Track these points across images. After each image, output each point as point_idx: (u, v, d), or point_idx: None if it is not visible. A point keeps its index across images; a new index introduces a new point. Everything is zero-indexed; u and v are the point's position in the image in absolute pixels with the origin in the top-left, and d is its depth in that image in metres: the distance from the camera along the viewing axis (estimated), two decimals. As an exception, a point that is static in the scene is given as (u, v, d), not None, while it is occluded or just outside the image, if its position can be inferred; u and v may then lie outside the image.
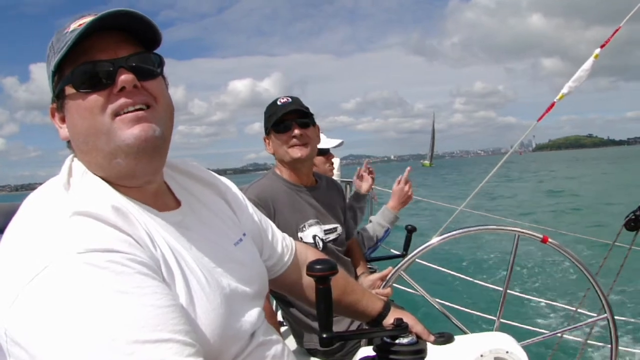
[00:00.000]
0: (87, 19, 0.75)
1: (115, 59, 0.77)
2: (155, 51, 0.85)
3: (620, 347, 1.58)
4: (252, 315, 0.91)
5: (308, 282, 1.18)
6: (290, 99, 1.85)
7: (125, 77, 0.76)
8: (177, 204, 0.91)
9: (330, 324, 0.92)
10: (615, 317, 1.51)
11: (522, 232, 1.49)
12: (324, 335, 0.91)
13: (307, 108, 1.85)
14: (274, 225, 1.19)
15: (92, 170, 0.80)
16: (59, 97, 0.80)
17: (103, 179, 0.80)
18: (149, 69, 0.81)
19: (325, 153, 2.75)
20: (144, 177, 0.82)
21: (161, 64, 0.84)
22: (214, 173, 1.07)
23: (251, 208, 1.13)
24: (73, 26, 0.77)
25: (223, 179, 1.09)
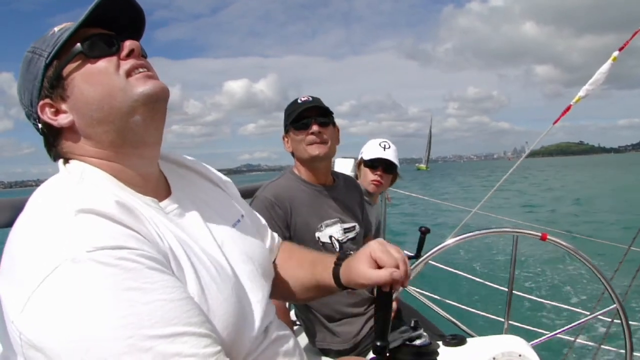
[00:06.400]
0: (67, 24, 0.82)
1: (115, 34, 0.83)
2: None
3: (635, 353, 1.56)
4: (262, 300, 0.90)
5: (284, 276, 1.15)
6: (311, 98, 1.86)
7: (132, 42, 0.82)
8: (170, 191, 0.91)
9: (387, 332, 0.91)
10: (631, 323, 1.50)
11: (521, 232, 1.50)
12: (378, 344, 0.90)
13: (328, 108, 1.85)
14: (262, 219, 1.19)
15: (99, 147, 0.81)
16: (53, 85, 0.80)
17: (105, 165, 0.82)
18: (144, 50, 0.87)
19: None
20: (153, 145, 0.85)
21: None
22: (204, 163, 1.08)
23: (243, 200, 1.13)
24: (56, 29, 0.82)
25: (214, 170, 1.09)
